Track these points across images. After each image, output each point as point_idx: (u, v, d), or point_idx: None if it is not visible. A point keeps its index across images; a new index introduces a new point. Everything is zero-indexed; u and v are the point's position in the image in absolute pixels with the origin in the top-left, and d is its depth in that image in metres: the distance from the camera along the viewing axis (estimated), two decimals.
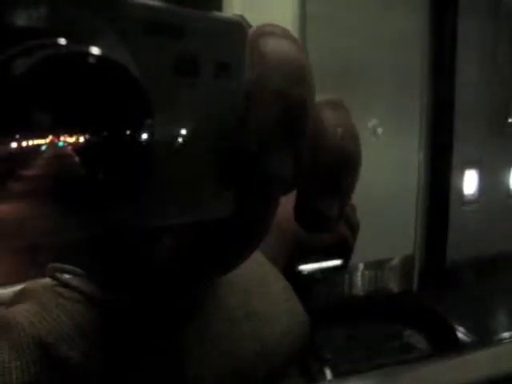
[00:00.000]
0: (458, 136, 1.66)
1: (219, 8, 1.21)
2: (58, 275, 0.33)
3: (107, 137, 0.18)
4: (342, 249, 0.46)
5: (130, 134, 0.18)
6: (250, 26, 0.24)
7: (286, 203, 0.30)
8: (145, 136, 0.19)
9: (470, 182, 1.79)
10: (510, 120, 1.71)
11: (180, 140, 0.21)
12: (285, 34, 0.25)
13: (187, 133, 0.21)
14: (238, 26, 0.23)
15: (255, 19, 0.26)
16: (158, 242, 0.26)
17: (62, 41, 0.17)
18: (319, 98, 0.27)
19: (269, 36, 0.24)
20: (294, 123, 0.24)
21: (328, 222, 0.28)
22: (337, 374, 0.83)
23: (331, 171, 0.28)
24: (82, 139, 0.18)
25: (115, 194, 0.19)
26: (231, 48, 0.22)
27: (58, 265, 0.33)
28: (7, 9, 0.17)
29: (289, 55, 0.24)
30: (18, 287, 0.34)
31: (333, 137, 0.27)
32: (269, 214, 0.27)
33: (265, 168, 0.24)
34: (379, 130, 1.31)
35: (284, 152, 0.24)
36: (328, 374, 0.83)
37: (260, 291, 0.35)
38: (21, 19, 0.17)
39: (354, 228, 0.46)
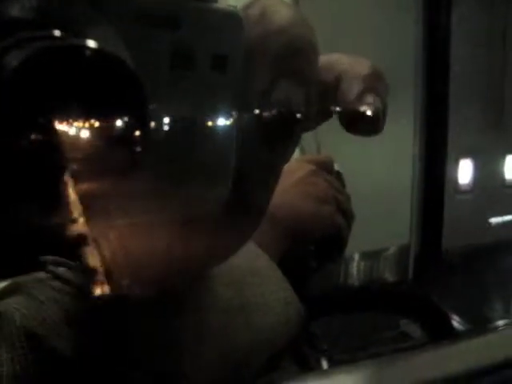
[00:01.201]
0: (453, 126, 1.66)
1: None
2: (51, 268, 0.33)
3: (103, 128, 0.18)
4: (337, 239, 0.46)
5: (125, 125, 0.18)
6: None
7: (279, 194, 0.30)
8: (140, 127, 0.19)
9: (464, 172, 1.79)
10: (504, 109, 1.71)
11: (176, 131, 0.21)
12: (290, 8, 0.26)
13: (183, 123, 0.21)
14: (234, 18, 0.22)
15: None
16: (151, 233, 0.26)
17: (57, 33, 0.17)
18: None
19: (273, 11, 0.25)
20: (297, 56, 0.25)
21: (377, 119, 0.30)
22: (333, 364, 0.83)
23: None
24: (77, 130, 0.17)
25: (109, 184, 0.19)
26: (228, 39, 0.22)
27: (51, 257, 0.33)
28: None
29: (288, 16, 0.24)
30: (8, 280, 0.34)
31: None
32: (263, 201, 0.27)
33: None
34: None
35: (293, 90, 0.25)
36: (324, 363, 0.84)
37: (253, 282, 0.35)
38: (13, 10, 0.17)
39: (348, 218, 0.46)
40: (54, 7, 0.18)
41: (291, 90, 0.24)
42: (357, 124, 0.31)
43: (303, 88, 0.25)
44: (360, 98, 0.30)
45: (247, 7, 0.24)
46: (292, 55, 0.24)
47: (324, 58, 0.31)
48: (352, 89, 0.30)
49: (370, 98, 0.30)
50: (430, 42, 1.61)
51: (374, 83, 0.31)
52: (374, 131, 0.31)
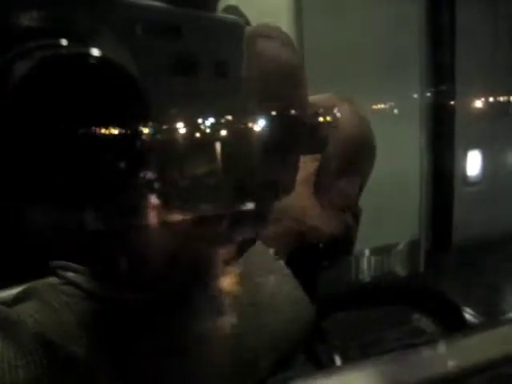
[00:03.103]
0: (460, 117, 1.65)
1: None
2: (62, 272, 0.33)
3: (106, 135, 0.18)
4: (346, 236, 0.46)
5: (128, 133, 0.18)
6: (248, 24, 0.25)
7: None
8: (143, 134, 0.19)
9: (473, 163, 1.78)
10: None
11: (179, 137, 0.22)
12: (280, 35, 0.26)
13: (186, 130, 0.22)
14: (235, 26, 0.23)
15: (252, 8, 0.27)
16: (160, 235, 0.26)
17: (63, 42, 0.17)
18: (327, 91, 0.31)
19: (265, 38, 0.25)
20: (292, 123, 0.25)
21: (348, 199, 0.31)
22: (346, 360, 0.83)
23: (351, 149, 0.31)
24: (82, 133, 0.18)
25: (113, 189, 0.19)
26: (229, 47, 0.22)
27: (61, 262, 0.33)
28: (6, 11, 0.17)
29: (283, 58, 0.25)
30: (21, 287, 0.34)
31: (351, 125, 0.31)
32: (270, 203, 0.28)
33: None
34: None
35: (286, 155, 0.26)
36: (337, 359, 0.84)
37: (262, 281, 0.35)
38: (20, 20, 0.17)
39: (356, 215, 0.46)
40: (59, 17, 0.18)
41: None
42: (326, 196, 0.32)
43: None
44: (338, 176, 0.31)
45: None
46: (277, 83, 0.25)
47: (320, 99, 0.32)
48: (331, 171, 0.31)
49: (344, 182, 0.31)
50: (435, 32, 1.60)
51: (357, 158, 0.32)
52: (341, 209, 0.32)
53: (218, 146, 0.23)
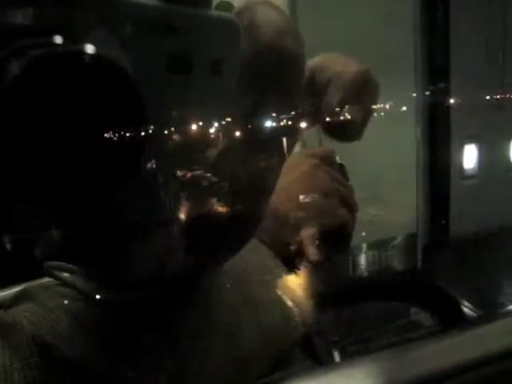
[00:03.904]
0: (456, 111, 1.65)
1: None
2: (57, 273, 0.33)
3: (101, 133, 0.18)
4: (342, 231, 0.45)
5: (122, 131, 0.18)
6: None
7: (282, 189, 0.30)
8: (138, 132, 0.19)
9: (469, 157, 1.78)
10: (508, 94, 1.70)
11: (174, 135, 0.21)
12: (273, 4, 0.26)
13: (181, 126, 0.21)
14: (230, 24, 0.23)
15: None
16: (154, 236, 0.26)
17: (57, 40, 0.17)
18: None
19: (260, 5, 0.26)
20: (287, 71, 0.25)
21: (356, 128, 0.32)
22: (344, 355, 0.83)
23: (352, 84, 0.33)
24: (76, 135, 0.17)
25: (107, 187, 0.19)
26: (224, 45, 0.22)
27: (56, 263, 0.33)
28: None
29: (279, 18, 0.26)
30: (16, 288, 0.34)
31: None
32: (264, 200, 0.27)
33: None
34: None
35: (281, 102, 0.25)
36: (336, 355, 0.83)
37: (256, 278, 0.35)
38: (15, 18, 0.17)
39: (352, 210, 0.46)
40: (53, 15, 0.18)
41: (279, 103, 0.25)
42: (335, 131, 0.33)
43: (290, 100, 0.26)
44: (341, 107, 0.32)
45: (236, 15, 0.24)
46: (279, 72, 0.25)
47: (319, 60, 0.32)
48: (335, 97, 0.32)
49: (351, 110, 0.32)
50: (430, 29, 1.60)
51: (358, 91, 0.32)
52: (350, 138, 0.33)
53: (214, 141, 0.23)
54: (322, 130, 0.34)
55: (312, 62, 0.34)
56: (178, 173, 0.23)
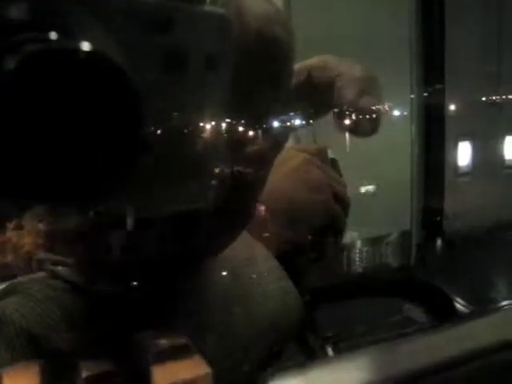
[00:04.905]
0: (450, 108, 1.65)
1: None
2: (47, 266, 0.33)
3: (97, 129, 0.18)
4: (334, 226, 0.46)
5: (118, 127, 0.18)
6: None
7: (274, 184, 0.30)
8: (134, 127, 0.19)
9: (464, 154, 1.79)
10: (502, 90, 1.70)
11: (169, 131, 0.21)
12: None
13: (176, 124, 0.22)
14: (224, 19, 0.23)
15: None
16: (145, 230, 0.26)
17: (52, 35, 0.17)
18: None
19: None
20: (274, 59, 0.25)
21: (374, 121, 0.32)
22: (337, 351, 0.83)
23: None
24: (71, 129, 0.17)
25: (104, 182, 0.19)
26: (218, 40, 0.22)
27: (46, 255, 0.33)
28: None
29: (266, 7, 0.25)
30: (6, 282, 0.34)
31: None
32: (255, 194, 0.27)
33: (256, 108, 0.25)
34: None
35: (269, 93, 0.25)
36: (329, 350, 0.84)
37: (249, 272, 0.35)
38: (10, 13, 0.17)
39: (345, 205, 0.46)
40: (49, 10, 0.18)
41: (269, 93, 0.25)
42: (354, 124, 0.32)
43: (281, 89, 0.25)
44: (358, 99, 0.31)
45: (223, 5, 0.24)
46: (268, 60, 0.25)
47: (317, 59, 0.32)
48: (349, 90, 0.31)
49: (367, 99, 0.31)
50: (426, 24, 1.60)
51: (370, 86, 0.32)
52: (370, 132, 0.32)
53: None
54: (337, 125, 0.34)
55: (307, 64, 0.33)
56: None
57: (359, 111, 0.32)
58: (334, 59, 0.33)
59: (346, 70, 0.33)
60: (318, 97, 0.32)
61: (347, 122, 0.33)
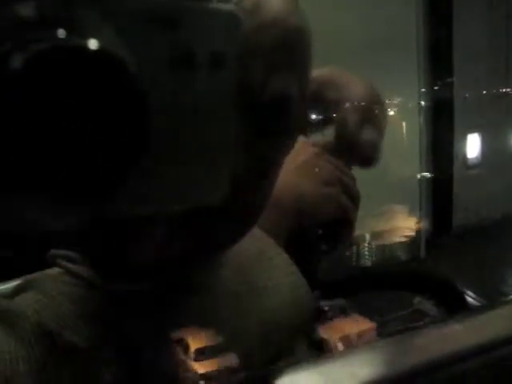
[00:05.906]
0: (459, 100, 1.64)
1: None
2: (60, 262, 0.33)
3: (104, 126, 0.18)
4: (344, 221, 0.45)
5: (125, 124, 0.18)
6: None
7: (283, 178, 0.30)
8: (140, 125, 0.19)
9: (473, 146, 1.78)
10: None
11: (176, 128, 0.21)
12: None
13: (183, 121, 0.21)
14: (232, 17, 0.22)
15: None
16: (156, 225, 0.26)
17: (60, 33, 0.17)
18: None
19: None
20: (291, 49, 0.25)
21: (375, 148, 0.31)
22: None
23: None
24: (79, 128, 0.17)
25: (110, 179, 0.19)
26: (226, 38, 0.22)
27: (59, 251, 0.33)
28: (2, 2, 0.17)
29: (280, 7, 0.25)
30: (20, 279, 0.34)
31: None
32: (266, 190, 0.27)
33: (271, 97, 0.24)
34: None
35: (287, 82, 0.25)
36: (339, 344, 0.84)
37: (259, 266, 0.35)
38: (18, 11, 0.17)
39: (354, 199, 0.46)
40: (56, 7, 0.18)
41: (285, 84, 0.24)
42: (353, 154, 0.32)
43: (296, 81, 0.25)
44: (358, 130, 0.31)
45: (238, 2, 0.24)
46: (285, 49, 0.24)
47: (327, 75, 0.32)
48: (351, 119, 0.31)
49: (368, 132, 0.31)
50: (433, 14, 1.59)
51: (373, 113, 0.32)
52: (369, 163, 0.32)
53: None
54: (337, 151, 0.33)
55: (318, 76, 0.33)
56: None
57: (359, 146, 0.32)
58: (344, 76, 0.33)
59: (352, 91, 0.32)
60: (321, 108, 0.32)
61: (347, 150, 0.33)
